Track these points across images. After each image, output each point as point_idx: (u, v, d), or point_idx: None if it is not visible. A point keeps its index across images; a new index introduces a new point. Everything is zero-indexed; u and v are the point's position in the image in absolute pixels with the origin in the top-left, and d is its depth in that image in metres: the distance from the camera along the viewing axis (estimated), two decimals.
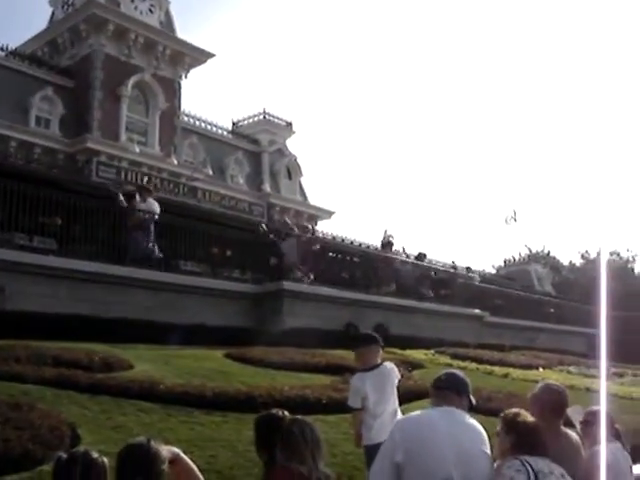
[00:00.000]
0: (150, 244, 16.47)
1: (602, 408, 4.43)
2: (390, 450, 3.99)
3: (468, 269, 30.45)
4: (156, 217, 16.78)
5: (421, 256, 25.57)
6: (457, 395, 4.29)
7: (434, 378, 4.46)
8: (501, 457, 4.12)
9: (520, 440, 4.07)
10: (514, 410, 4.32)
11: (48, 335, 11.18)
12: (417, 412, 4.32)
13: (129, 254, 16.17)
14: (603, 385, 4.78)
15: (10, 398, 7.48)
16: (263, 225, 21.48)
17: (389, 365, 6.93)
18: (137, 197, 16.95)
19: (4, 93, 31.24)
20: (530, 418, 4.25)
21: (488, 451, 4.11)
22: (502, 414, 4.35)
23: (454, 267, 29.98)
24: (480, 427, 4.19)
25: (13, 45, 34.83)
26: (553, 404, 4.69)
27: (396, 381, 6.83)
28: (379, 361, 6.81)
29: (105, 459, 3.30)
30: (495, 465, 4.09)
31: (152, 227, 16.60)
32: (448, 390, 4.30)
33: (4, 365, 8.91)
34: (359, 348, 6.88)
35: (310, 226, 24.58)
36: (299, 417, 4.38)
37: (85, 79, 34.24)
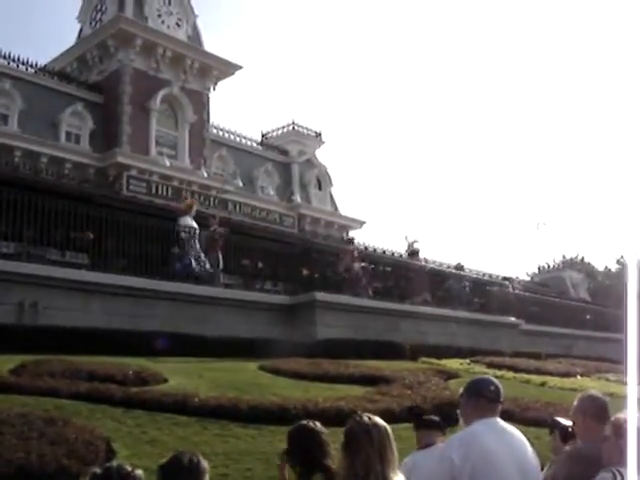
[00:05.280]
0: (189, 260, 16.73)
1: (630, 417, 4.27)
2: (450, 473, 3.88)
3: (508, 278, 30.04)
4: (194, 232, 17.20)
5: (459, 266, 25.57)
6: (500, 404, 4.27)
7: (476, 386, 4.34)
8: (607, 462, 3.88)
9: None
10: (623, 416, 4.08)
11: (81, 349, 11.18)
12: (469, 429, 4.16)
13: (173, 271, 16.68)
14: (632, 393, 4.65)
15: (45, 413, 7.43)
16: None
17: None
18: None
19: (34, 109, 31.64)
20: None
21: (537, 459, 4.17)
22: (612, 418, 4.14)
23: (488, 275, 29.76)
24: (520, 433, 4.23)
25: (42, 62, 35.39)
26: (595, 411, 4.57)
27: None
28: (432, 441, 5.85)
29: (140, 472, 3.23)
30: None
31: (192, 242, 17.02)
32: (499, 403, 4.24)
33: (39, 380, 8.89)
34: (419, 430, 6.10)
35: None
36: (363, 415, 3.85)
37: (114, 94, 34.55)
